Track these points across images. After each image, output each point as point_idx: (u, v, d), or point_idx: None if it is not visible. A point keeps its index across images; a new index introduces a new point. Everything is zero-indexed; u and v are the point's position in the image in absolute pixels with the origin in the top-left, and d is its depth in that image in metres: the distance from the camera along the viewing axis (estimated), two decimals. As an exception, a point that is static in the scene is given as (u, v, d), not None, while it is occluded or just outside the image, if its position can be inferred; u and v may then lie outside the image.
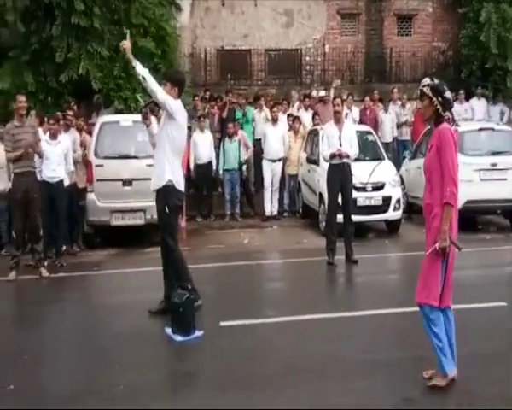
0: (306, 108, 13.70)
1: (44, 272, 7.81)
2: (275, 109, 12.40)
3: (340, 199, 8.35)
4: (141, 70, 5.57)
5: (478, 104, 14.74)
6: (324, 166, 10.52)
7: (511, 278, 7.24)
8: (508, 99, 15.20)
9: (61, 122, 9.15)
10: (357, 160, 9.99)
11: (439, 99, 4.20)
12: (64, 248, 8.81)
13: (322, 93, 14.17)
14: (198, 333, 5.35)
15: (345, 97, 13.66)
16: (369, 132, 11.49)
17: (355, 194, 9.64)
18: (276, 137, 12.05)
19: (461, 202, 10.06)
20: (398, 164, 12.39)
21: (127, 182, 9.33)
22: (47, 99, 11.32)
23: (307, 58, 18.13)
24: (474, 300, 6.18)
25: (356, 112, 13.92)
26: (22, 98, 7.75)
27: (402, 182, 11.43)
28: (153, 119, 6.21)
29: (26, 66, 11.28)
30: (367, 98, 14.22)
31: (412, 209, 11.84)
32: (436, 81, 4.30)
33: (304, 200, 11.91)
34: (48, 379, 4.67)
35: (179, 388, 4.36)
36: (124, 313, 6.15)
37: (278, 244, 10.12)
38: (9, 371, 4.75)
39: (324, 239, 8.50)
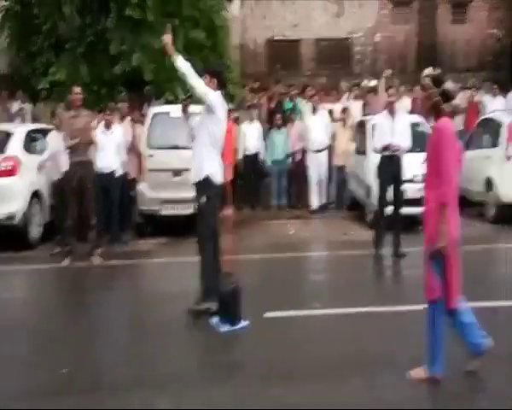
0: (356, 98, 13.57)
1: (96, 260, 8.01)
2: (315, 98, 12.23)
3: (390, 192, 8.27)
4: (181, 65, 5.50)
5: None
6: (373, 158, 10.41)
7: None
8: None
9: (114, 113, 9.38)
10: (408, 151, 9.85)
11: (439, 91, 4.10)
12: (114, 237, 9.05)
13: (373, 83, 14.00)
14: (243, 323, 5.42)
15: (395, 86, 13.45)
16: (420, 123, 11.29)
17: (405, 186, 9.52)
18: (319, 126, 11.86)
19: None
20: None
21: (177, 172, 9.48)
22: (100, 90, 11.61)
23: (358, 47, 17.95)
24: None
25: (407, 101, 13.69)
26: (78, 89, 7.97)
27: (453, 174, 11.19)
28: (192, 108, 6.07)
29: (81, 58, 11.60)
30: (417, 88, 13.94)
31: (463, 202, 11.60)
32: (437, 72, 4.21)
33: (351, 192, 11.83)
34: (99, 365, 4.85)
35: (224, 377, 4.43)
36: (172, 301, 6.27)
37: (324, 236, 10.11)
38: (63, 356, 4.95)
39: (371, 232, 8.44)
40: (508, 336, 5.15)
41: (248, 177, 12.46)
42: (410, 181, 9.71)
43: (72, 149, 7.91)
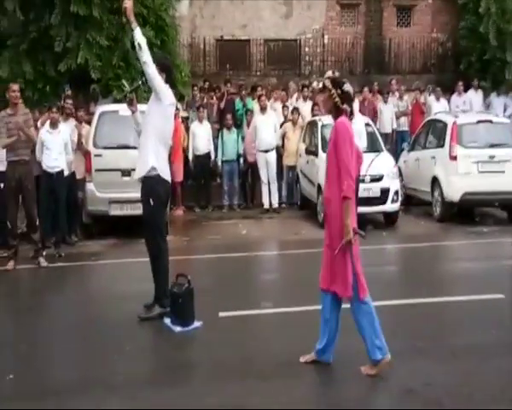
0: (305, 99, 13.68)
1: (43, 262, 7.81)
2: (263, 98, 12.23)
3: None
4: (139, 37, 5.32)
5: (475, 96, 14.74)
6: (323, 157, 10.56)
7: (508, 271, 7.27)
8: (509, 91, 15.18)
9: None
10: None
11: (338, 92, 4.28)
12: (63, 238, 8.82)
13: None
14: (197, 324, 5.37)
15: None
16: (367, 124, 11.48)
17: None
18: (267, 126, 11.85)
19: (459, 194, 10.21)
20: (396, 155, 12.43)
21: (126, 172, 9.29)
22: (45, 88, 11.28)
23: (306, 49, 18.09)
24: (472, 292, 6.23)
25: (356, 103, 13.89)
26: (15, 87, 7.71)
27: (400, 174, 11.46)
28: (138, 106, 5.88)
29: (24, 54, 11.23)
30: (366, 89, 14.21)
31: (410, 201, 11.88)
32: (337, 74, 4.48)
33: (302, 191, 11.93)
34: (46, 368, 4.69)
35: (178, 378, 4.38)
36: (122, 303, 6.16)
37: (276, 235, 10.15)
38: (9, 361, 4.78)
39: (322, 231, 8.48)
40: (456, 329, 5.29)
41: (199, 177, 12.40)
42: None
43: (10, 149, 7.63)
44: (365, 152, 10.64)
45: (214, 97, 13.63)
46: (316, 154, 10.81)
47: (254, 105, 13.24)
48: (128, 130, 9.41)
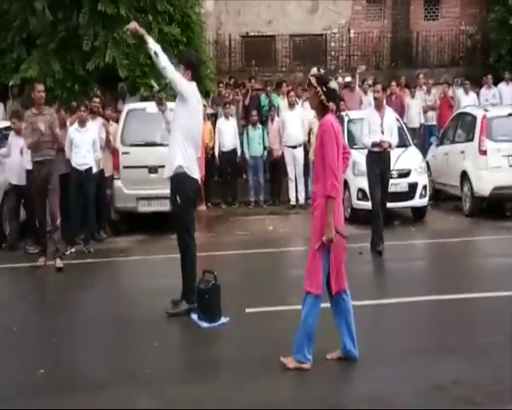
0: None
1: (59, 263, 7.61)
2: (291, 94, 12.21)
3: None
4: (153, 45, 5.38)
5: (506, 89, 14.45)
6: (352, 152, 10.48)
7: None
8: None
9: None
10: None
11: (324, 89, 4.27)
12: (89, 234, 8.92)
13: (348, 79, 14.06)
14: (224, 320, 5.39)
15: (370, 83, 13.56)
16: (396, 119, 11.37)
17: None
18: (295, 122, 11.83)
19: (489, 189, 10.04)
20: (424, 150, 12.28)
21: (153, 169, 9.38)
22: (74, 87, 11.41)
23: (332, 44, 17.99)
24: (503, 288, 6.12)
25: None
26: (41, 87, 7.71)
27: (428, 168, 11.32)
28: (168, 105, 5.97)
29: (53, 54, 11.38)
30: (393, 84, 14.06)
31: (439, 196, 11.73)
32: (322, 71, 4.45)
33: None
34: (76, 363, 4.77)
35: (205, 373, 4.40)
36: (150, 298, 6.21)
37: (303, 231, 10.08)
38: (40, 355, 4.86)
39: (349, 226, 8.41)
40: (486, 327, 5.21)
41: (225, 173, 12.43)
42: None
43: (34, 149, 7.65)
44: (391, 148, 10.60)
45: (239, 94, 13.65)
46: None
47: (280, 101, 13.22)
48: (155, 127, 9.56)
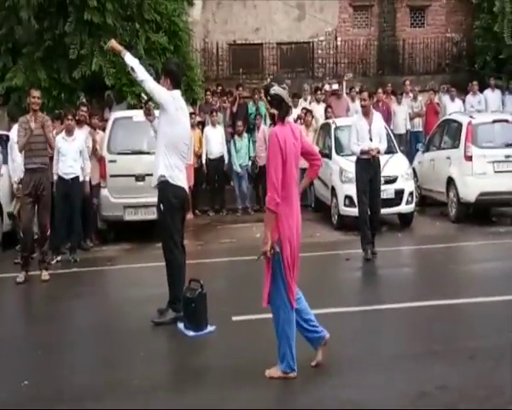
0: (318, 102, 13.67)
1: (45, 275, 7.49)
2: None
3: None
4: (130, 61, 5.47)
5: (492, 95, 14.59)
6: (337, 160, 10.54)
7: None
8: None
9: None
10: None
11: (268, 98, 4.22)
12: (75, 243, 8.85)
13: (335, 87, 14.13)
14: (210, 328, 5.37)
15: (357, 90, 13.62)
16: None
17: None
18: None
19: (475, 195, 10.11)
20: (411, 156, 12.35)
21: (140, 177, 9.37)
22: (60, 95, 11.39)
23: (319, 51, 18.06)
24: (489, 293, 6.15)
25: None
26: (36, 93, 7.61)
27: (415, 175, 11.38)
28: (156, 114, 5.95)
29: (39, 62, 11.35)
30: (379, 91, 14.14)
31: (425, 202, 11.80)
32: (269, 81, 4.41)
33: (316, 193, 11.90)
34: (61, 374, 4.71)
35: (191, 382, 4.37)
36: (137, 307, 6.19)
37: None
38: (24, 367, 4.80)
39: (337, 233, 8.46)
40: (472, 332, 5.23)
41: (212, 180, 12.43)
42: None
43: (27, 156, 7.49)
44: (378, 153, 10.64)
45: (227, 101, 13.66)
46: (329, 156, 10.78)
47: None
48: (142, 135, 9.56)
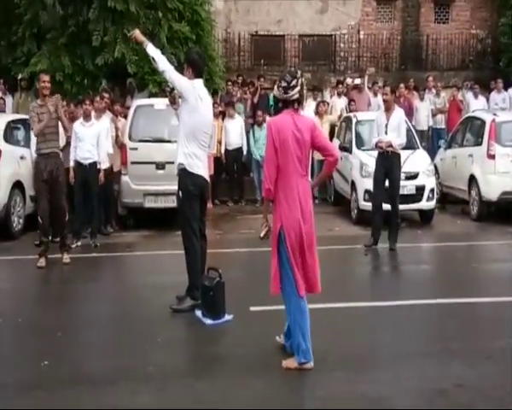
0: (340, 95, 13.58)
1: (66, 258, 7.55)
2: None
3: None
4: (151, 51, 5.53)
5: (517, 94, 14.39)
6: (357, 154, 10.48)
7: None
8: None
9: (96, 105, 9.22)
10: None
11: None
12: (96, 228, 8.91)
13: (358, 81, 14.03)
14: (228, 317, 5.38)
15: (380, 84, 13.53)
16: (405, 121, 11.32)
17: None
18: None
19: (497, 193, 10.00)
20: (433, 153, 12.24)
21: (160, 165, 9.40)
22: (83, 81, 11.46)
23: (341, 44, 17.94)
24: (508, 293, 6.09)
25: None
26: (46, 78, 7.54)
27: (436, 171, 11.28)
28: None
29: (63, 48, 11.43)
30: (401, 86, 14.01)
31: (446, 200, 11.69)
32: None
33: (335, 187, 11.85)
34: (80, 356, 4.76)
35: (207, 370, 4.39)
36: (155, 294, 6.21)
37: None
38: (45, 347, 4.86)
39: (356, 227, 8.43)
40: (491, 331, 5.18)
41: (231, 171, 12.44)
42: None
43: (40, 141, 7.47)
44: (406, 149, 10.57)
45: (248, 92, 13.64)
46: (349, 150, 10.72)
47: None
48: (163, 124, 9.59)
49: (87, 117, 8.68)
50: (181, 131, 5.60)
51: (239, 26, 17.54)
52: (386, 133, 8.18)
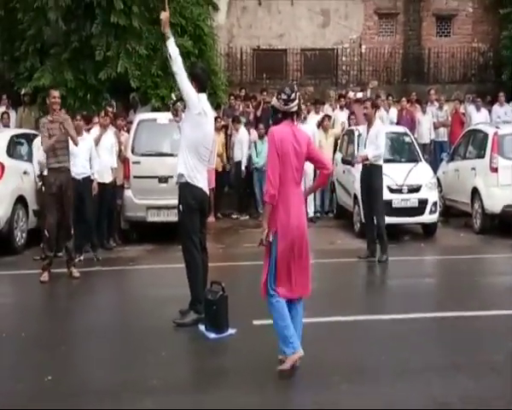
0: (342, 108, 13.63)
1: (75, 273, 7.59)
2: (303, 108, 12.23)
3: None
4: (171, 47, 5.44)
5: (520, 107, 14.41)
6: (359, 167, 10.49)
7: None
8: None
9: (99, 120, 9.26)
10: (392, 161, 9.92)
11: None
12: (96, 242, 8.87)
13: (360, 95, 14.09)
14: (231, 331, 5.37)
15: (383, 98, 13.59)
16: (405, 134, 11.36)
17: (390, 196, 9.56)
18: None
19: (500, 206, 9.98)
20: (435, 166, 12.24)
21: (163, 179, 9.42)
22: (86, 96, 11.51)
23: (343, 58, 18.05)
24: (510, 306, 6.06)
25: (394, 113, 13.80)
26: (56, 93, 7.64)
27: (439, 184, 11.27)
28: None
29: (66, 63, 11.50)
30: (403, 99, 14.06)
31: (449, 213, 11.68)
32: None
33: (338, 200, 11.85)
34: (83, 370, 4.76)
35: (211, 384, 4.38)
36: (158, 307, 6.20)
37: (311, 244, 10.03)
38: (48, 362, 4.85)
39: (358, 240, 8.43)
40: (495, 344, 5.15)
41: (235, 184, 12.46)
42: (396, 191, 9.79)
43: (51, 155, 7.52)
44: (402, 162, 10.59)
45: (250, 106, 13.70)
46: (352, 164, 10.72)
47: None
48: (165, 138, 9.64)
49: (78, 132, 8.34)
50: (182, 143, 5.62)
51: (241, 40, 17.66)
52: (365, 147, 8.27)
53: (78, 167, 8.51)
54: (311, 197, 11.93)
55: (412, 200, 9.79)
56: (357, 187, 10.30)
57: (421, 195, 9.94)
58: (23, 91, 12.05)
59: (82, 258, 8.53)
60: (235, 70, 17.49)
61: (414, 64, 17.88)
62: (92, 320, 6.02)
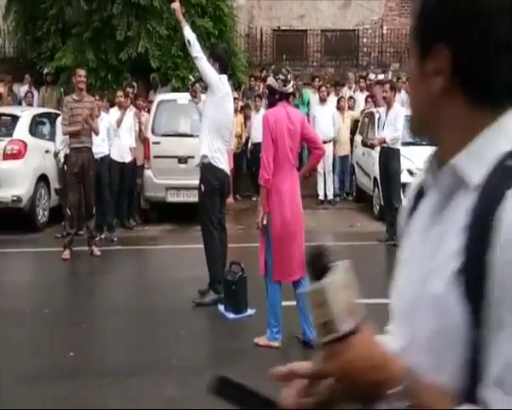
0: (362, 90, 13.52)
1: (96, 251, 7.68)
2: (323, 89, 12.16)
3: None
4: (188, 34, 5.50)
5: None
6: (378, 150, 10.43)
7: None
8: None
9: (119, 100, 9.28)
10: (412, 144, 9.79)
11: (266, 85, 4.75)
12: (115, 222, 8.96)
13: (381, 77, 13.96)
14: (250, 311, 5.42)
15: (404, 80, 13.43)
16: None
17: (410, 179, 9.49)
18: (325, 117, 11.76)
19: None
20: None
21: (182, 159, 9.45)
22: (107, 76, 11.57)
23: (364, 40, 17.83)
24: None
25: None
26: (82, 72, 7.66)
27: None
28: (203, 97, 6.03)
29: (87, 43, 11.56)
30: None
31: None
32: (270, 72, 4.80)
33: (358, 183, 11.80)
34: (104, 348, 4.84)
35: (230, 364, 4.42)
36: (178, 287, 6.26)
37: (331, 227, 10.08)
38: (71, 339, 4.95)
39: (378, 223, 8.43)
40: None
41: (256, 165, 12.44)
42: (416, 174, 9.73)
43: (73, 136, 7.57)
44: (423, 145, 10.46)
45: (270, 87, 13.65)
46: (370, 146, 10.66)
47: (311, 96, 13.17)
48: (185, 118, 9.65)
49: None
50: (205, 124, 5.63)
51: (261, 21, 17.52)
52: (383, 129, 8.25)
53: (96, 147, 8.57)
54: (330, 179, 11.93)
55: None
56: (376, 170, 10.26)
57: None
58: (45, 71, 12.14)
59: (103, 236, 8.64)
60: (255, 51, 17.38)
61: (436, 46, 17.63)
62: (112, 299, 6.11)
